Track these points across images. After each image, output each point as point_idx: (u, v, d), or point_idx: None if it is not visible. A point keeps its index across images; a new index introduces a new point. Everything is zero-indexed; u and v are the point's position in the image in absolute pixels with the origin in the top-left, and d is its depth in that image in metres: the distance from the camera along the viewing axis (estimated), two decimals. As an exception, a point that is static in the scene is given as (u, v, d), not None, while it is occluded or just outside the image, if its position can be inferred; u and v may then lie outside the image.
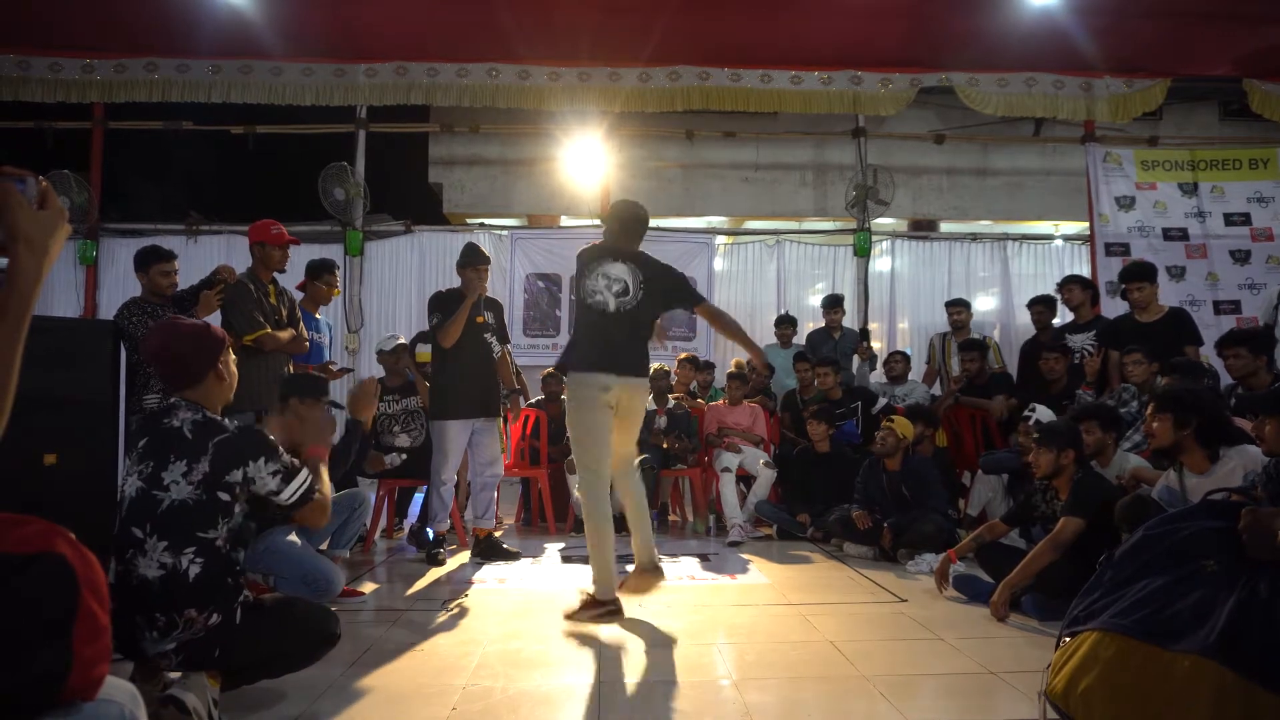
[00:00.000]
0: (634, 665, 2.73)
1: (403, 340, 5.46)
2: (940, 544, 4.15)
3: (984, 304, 8.04)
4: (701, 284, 7.67)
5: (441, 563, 4.35)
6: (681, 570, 4.25)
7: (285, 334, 4.14)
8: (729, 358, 7.15)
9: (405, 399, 5.21)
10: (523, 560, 4.46)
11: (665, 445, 5.58)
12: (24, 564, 1.09)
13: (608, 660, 2.76)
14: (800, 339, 6.83)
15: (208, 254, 7.17)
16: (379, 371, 5.52)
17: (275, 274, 4.27)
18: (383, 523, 5.20)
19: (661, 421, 5.65)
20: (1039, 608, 3.24)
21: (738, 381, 5.84)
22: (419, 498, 5.29)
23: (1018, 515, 3.75)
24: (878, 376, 6.63)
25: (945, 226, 9.46)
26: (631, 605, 3.33)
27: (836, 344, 6.55)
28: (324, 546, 3.79)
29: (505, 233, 7.88)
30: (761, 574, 4.17)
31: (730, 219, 9.65)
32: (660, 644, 2.95)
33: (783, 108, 7.18)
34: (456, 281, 4.52)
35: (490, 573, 4.16)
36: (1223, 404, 3.66)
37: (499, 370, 4.66)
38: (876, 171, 7.44)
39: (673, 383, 6.01)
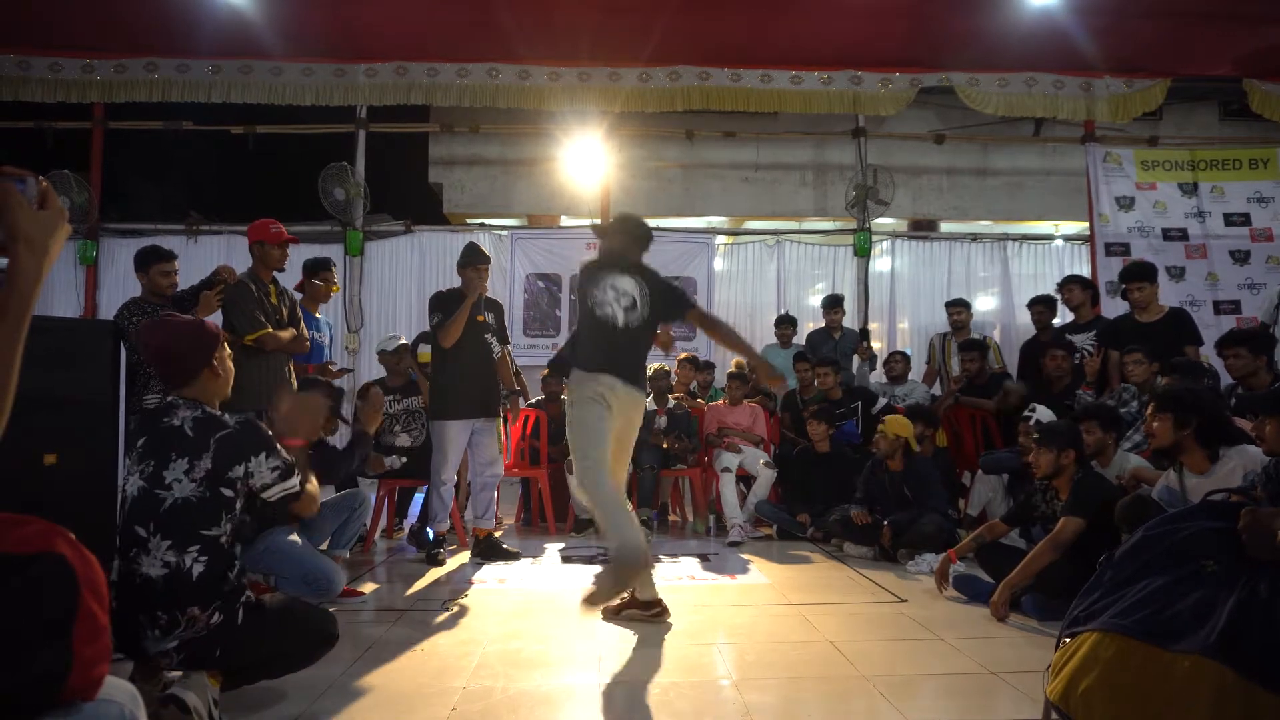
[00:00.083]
0: (634, 665, 2.73)
1: (404, 340, 5.46)
2: (940, 544, 4.15)
3: (984, 304, 8.04)
4: (701, 284, 7.69)
5: (441, 563, 4.35)
6: (681, 570, 4.25)
7: (286, 334, 4.14)
8: (729, 358, 7.14)
9: (406, 399, 5.21)
10: (523, 560, 4.46)
11: (665, 445, 5.58)
12: (24, 564, 1.09)
13: (608, 660, 2.76)
14: (800, 339, 6.83)
15: (208, 254, 7.17)
16: (380, 371, 5.53)
17: (275, 274, 4.27)
18: (383, 523, 5.20)
19: (661, 421, 5.65)
20: (1039, 608, 3.24)
21: (738, 381, 5.84)
22: (419, 498, 5.29)
23: (1018, 515, 3.75)
24: (878, 376, 6.63)
25: (945, 226, 9.46)
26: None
27: (836, 344, 6.55)
28: (324, 546, 3.79)
29: (505, 233, 7.89)
30: (761, 574, 4.17)
31: (730, 219, 9.65)
32: (660, 644, 2.95)
33: (783, 108, 7.19)
34: (457, 281, 4.52)
35: (490, 573, 4.16)
36: (1223, 404, 3.66)
37: (499, 371, 4.66)
38: (876, 171, 7.44)
39: (673, 383, 6.01)
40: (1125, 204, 7.10)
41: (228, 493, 2.13)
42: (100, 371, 3.34)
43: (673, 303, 3.45)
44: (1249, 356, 4.13)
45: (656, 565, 3.15)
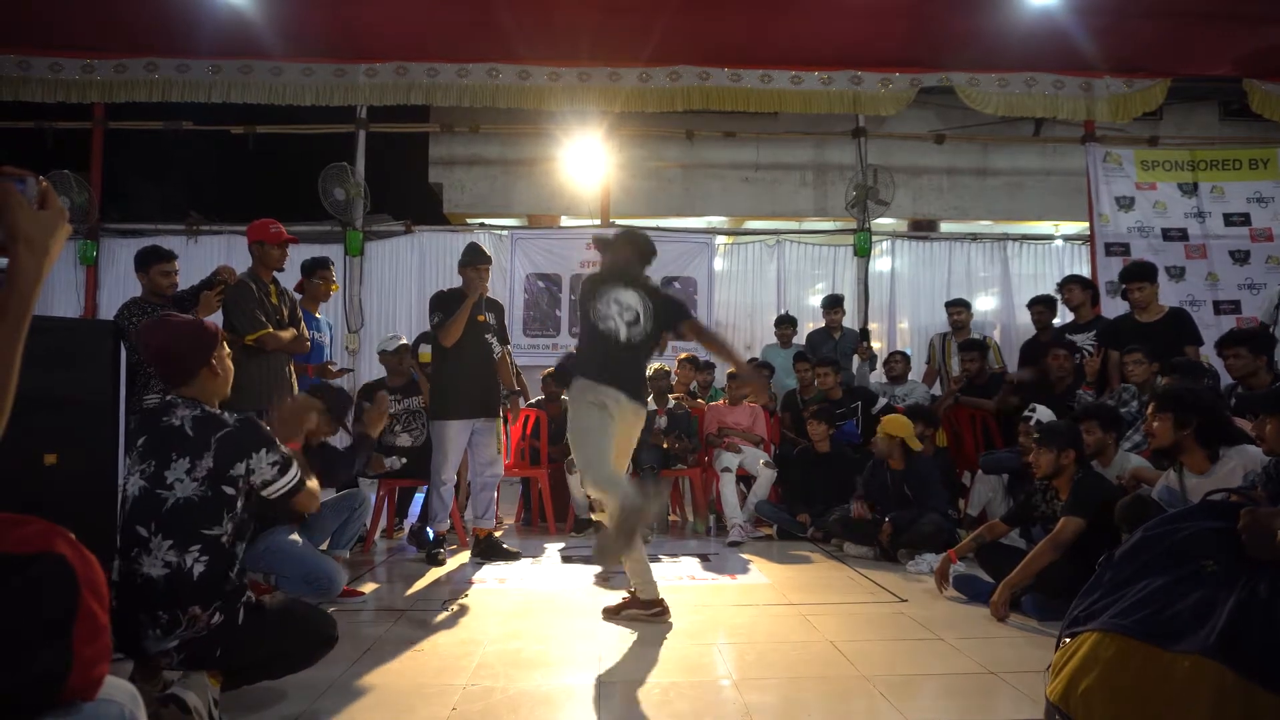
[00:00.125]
0: (634, 665, 2.73)
1: (405, 340, 5.46)
2: (940, 544, 4.15)
3: (984, 304, 8.04)
4: (701, 284, 7.68)
5: (441, 563, 4.35)
6: (681, 570, 4.25)
7: (287, 334, 4.15)
8: (729, 358, 7.15)
9: (407, 399, 5.21)
10: (523, 560, 4.46)
11: (665, 445, 5.58)
12: (24, 564, 1.09)
13: (608, 660, 2.76)
14: (800, 339, 6.83)
15: (208, 254, 7.17)
16: (380, 371, 5.52)
17: (275, 274, 4.27)
18: (383, 523, 5.20)
19: (661, 421, 5.65)
20: (1039, 608, 3.24)
21: (738, 381, 5.84)
22: (419, 498, 5.29)
23: (1018, 515, 3.75)
24: (878, 376, 6.63)
25: (945, 226, 9.46)
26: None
27: (836, 344, 6.55)
28: (324, 547, 3.79)
29: (505, 233, 7.88)
30: (761, 574, 4.17)
31: (730, 219, 9.65)
32: (660, 644, 2.95)
33: (783, 108, 7.19)
34: (457, 281, 4.53)
35: (490, 573, 4.16)
36: (1223, 404, 3.65)
37: (499, 371, 4.66)
38: (876, 171, 7.44)
39: (673, 383, 6.01)
40: (1125, 204, 7.10)
41: (229, 491, 2.13)
42: (100, 371, 3.33)
43: (671, 313, 3.45)
44: (1249, 356, 4.13)
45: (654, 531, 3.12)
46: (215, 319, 3.51)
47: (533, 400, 5.96)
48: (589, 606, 3.43)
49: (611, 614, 3.27)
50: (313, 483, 2.35)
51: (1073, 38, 6.34)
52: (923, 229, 9.25)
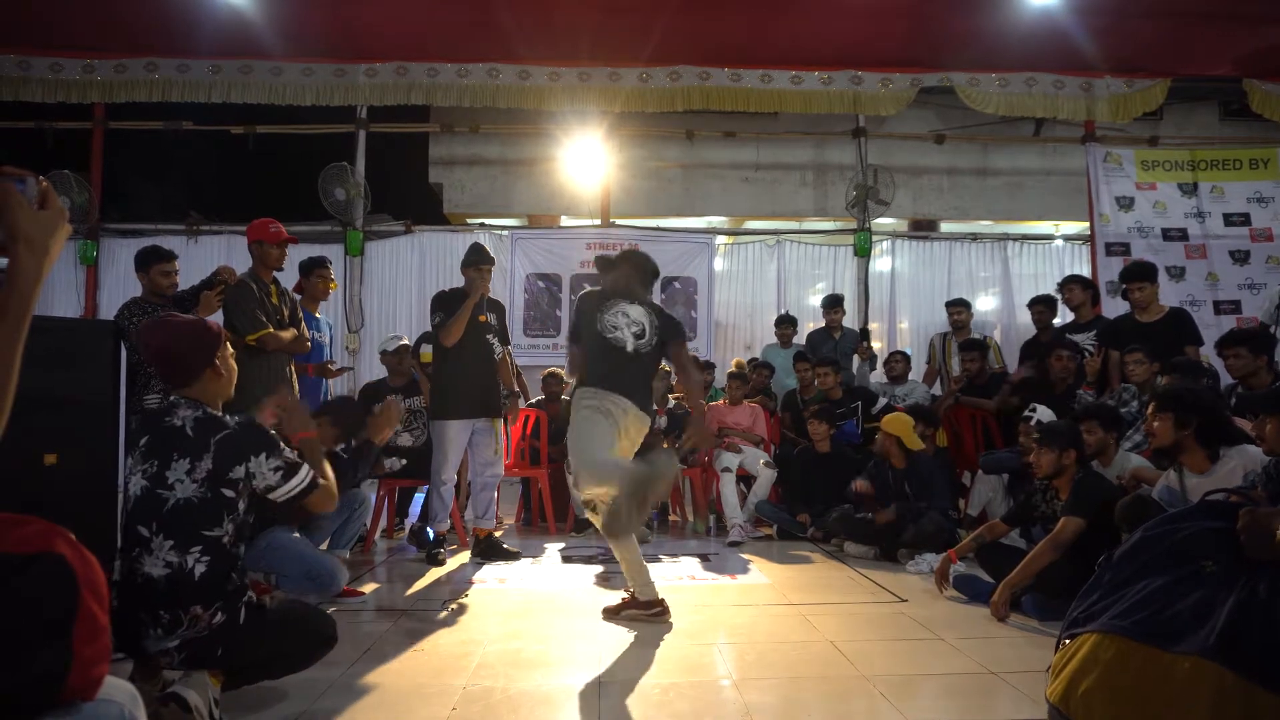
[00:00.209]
0: (634, 665, 2.72)
1: (405, 340, 5.46)
2: (940, 544, 4.15)
3: (984, 304, 8.04)
4: (701, 284, 7.68)
5: (441, 563, 4.35)
6: (681, 570, 4.25)
7: (287, 334, 4.15)
8: (729, 358, 7.16)
9: (408, 399, 5.21)
10: (523, 560, 4.46)
11: (665, 445, 5.58)
12: (24, 564, 1.09)
13: (608, 660, 2.76)
14: (800, 339, 6.84)
15: (208, 254, 7.17)
16: (381, 371, 5.52)
17: (275, 274, 4.27)
18: (383, 523, 5.20)
19: (661, 421, 5.65)
20: (1039, 608, 3.24)
21: (738, 381, 5.84)
22: (419, 498, 5.29)
23: (1018, 515, 3.75)
24: (878, 376, 6.63)
25: (945, 226, 9.47)
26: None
27: (837, 344, 6.55)
28: (324, 546, 3.79)
29: (505, 233, 7.88)
30: (762, 574, 4.17)
31: (730, 219, 9.65)
32: (660, 644, 2.95)
33: (783, 108, 7.19)
34: (457, 281, 4.54)
35: (490, 573, 4.16)
36: (1223, 404, 3.65)
37: (500, 371, 4.66)
38: (877, 171, 7.44)
39: (673, 383, 6.01)
40: (1125, 204, 7.10)
41: (229, 493, 2.13)
42: (100, 371, 3.34)
43: (669, 331, 3.47)
44: (1249, 356, 4.13)
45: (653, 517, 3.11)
46: (215, 319, 3.51)
47: (533, 400, 5.96)
48: (589, 607, 3.43)
49: (611, 614, 3.27)
50: (328, 480, 2.33)
51: (1073, 38, 6.34)
52: (923, 229, 9.25)
